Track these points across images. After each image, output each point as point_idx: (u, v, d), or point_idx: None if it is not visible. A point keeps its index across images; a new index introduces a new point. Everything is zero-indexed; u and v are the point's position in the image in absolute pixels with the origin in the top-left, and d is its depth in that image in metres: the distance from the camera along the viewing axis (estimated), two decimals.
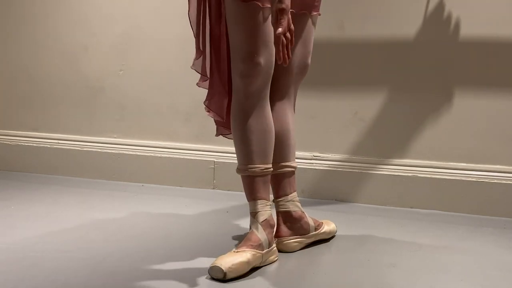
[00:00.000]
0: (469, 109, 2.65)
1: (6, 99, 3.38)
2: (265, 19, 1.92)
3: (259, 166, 1.98)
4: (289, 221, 2.11)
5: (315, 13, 2.09)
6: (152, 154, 3.11)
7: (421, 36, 2.68)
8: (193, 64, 2.06)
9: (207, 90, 2.09)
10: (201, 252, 2.06)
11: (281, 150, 2.09)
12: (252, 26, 1.90)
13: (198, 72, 2.06)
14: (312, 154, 2.86)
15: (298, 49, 2.08)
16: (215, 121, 2.14)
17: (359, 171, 2.79)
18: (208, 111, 2.10)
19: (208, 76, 2.05)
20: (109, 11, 3.15)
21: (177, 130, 3.09)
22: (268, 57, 1.95)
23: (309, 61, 2.13)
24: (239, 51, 1.93)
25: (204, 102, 2.09)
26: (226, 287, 1.78)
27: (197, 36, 2.04)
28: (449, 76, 2.67)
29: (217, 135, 2.19)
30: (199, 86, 2.12)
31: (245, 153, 1.97)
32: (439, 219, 2.56)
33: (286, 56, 1.85)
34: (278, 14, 1.82)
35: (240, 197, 2.79)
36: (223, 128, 2.14)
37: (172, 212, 2.59)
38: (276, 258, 2.00)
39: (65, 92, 3.25)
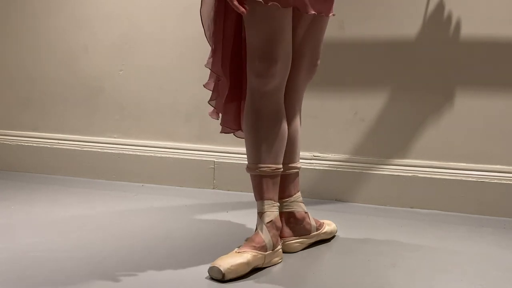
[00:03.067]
0: (469, 109, 2.65)
1: (6, 99, 3.38)
2: (284, 19, 1.92)
3: (270, 166, 1.97)
4: (292, 221, 2.11)
5: (330, 14, 2.08)
6: (152, 154, 3.11)
7: (421, 36, 2.68)
8: (207, 63, 2.01)
9: (210, 90, 2.09)
10: (201, 252, 2.07)
11: (289, 151, 2.09)
12: (271, 26, 1.90)
13: (213, 72, 2.01)
14: (312, 154, 2.86)
15: (312, 50, 2.08)
16: (222, 120, 2.13)
17: (359, 171, 2.79)
18: (213, 112, 2.10)
19: (223, 75, 2.02)
20: (109, 11, 3.15)
21: (177, 130, 3.09)
22: (285, 57, 1.95)
23: (319, 62, 2.13)
24: (257, 51, 1.92)
25: (211, 103, 2.08)
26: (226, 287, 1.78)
27: (213, 35, 2.00)
28: (449, 76, 2.67)
29: (222, 132, 2.17)
30: (206, 87, 2.09)
31: (257, 152, 1.97)
32: (439, 219, 2.56)
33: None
34: None
35: (240, 197, 2.79)
36: (226, 126, 2.13)
37: (172, 212, 2.59)
38: (280, 260, 2.00)
39: (65, 92, 3.25)
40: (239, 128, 2.13)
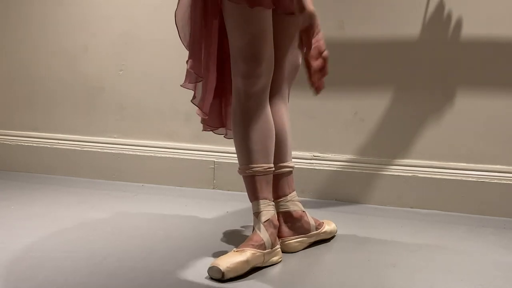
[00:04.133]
0: (469, 109, 2.65)
1: (6, 99, 3.38)
2: (267, 21, 1.94)
3: (262, 166, 1.98)
4: (290, 221, 2.11)
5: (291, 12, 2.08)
6: (152, 154, 3.11)
7: (421, 36, 2.68)
8: (190, 67, 2.02)
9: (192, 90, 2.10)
10: (201, 252, 2.06)
11: (279, 150, 2.09)
12: (257, 28, 1.92)
13: (195, 73, 2.03)
14: (312, 154, 2.86)
15: (290, 50, 2.09)
16: (202, 119, 2.14)
17: (359, 171, 2.79)
18: (199, 112, 2.11)
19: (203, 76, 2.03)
20: (109, 11, 3.15)
21: (177, 130, 3.09)
22: (269, 58, 1.97)
23: (300, 61, 2.13)
24: (242, 53, 1.94)
25: (196, 102, 2.09)
26: (225, 287, 1.78)
27: (191, 36, 2.02)
28: (449, 76, 2.67)
29: (204, 130, 2.19)
30: (184, 87, 2.10)
31: (247, 153, 1.97)
32: (439, 219, 2.56)
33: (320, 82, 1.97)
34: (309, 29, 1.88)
35: (240, 197, 2.79)
36: (207, 125, 2.16)
37: (172, 212, 2.59)
38: (280, 260, 2.00)
39: (65, 92, 3.25)
40: (222, 126, 2.16)
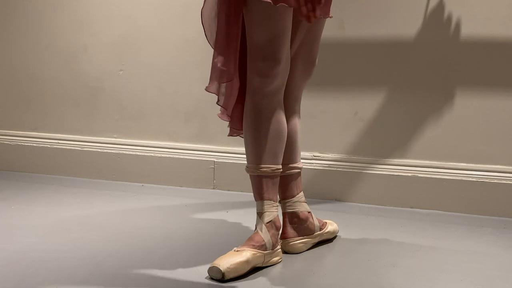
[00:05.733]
0: (469, 109, 2.65)
1: (6, 99, 3.38)
2: (288, 19, 1.92)
3: (270, 167, 1.97)
4: (296, 222, 2.10)
5: (329, 16, 2.07)
6: (152, 154, 3.11)
7: (421, 36, 2.68)
8: (222, 65, 1.92)
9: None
10: (201, 252, 2.07)
11: (290, 151, 2.08)
12: (278, 26, 1.90)
13: (228, 74, 1.93)
14: (312, 154, 2.86)
15: (310, 50, 2.08)
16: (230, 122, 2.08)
17: (359, 171, 2.79)
18: (223, 113, 2.05)
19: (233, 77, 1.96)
20: (109, 11, 3.15)
21: (177, 130, 3.09)
22: (287, 57, 1.95)
23: (317, 60, 2.13)
24: (261, 51, 1.91)
25: (220, 103, 2.01)
26: (225, 287, 1.78)
27: (219, 35, 1.94)
28: (449, 76, 2.67)
29: (229, 135, 2.13)
30: (208, 90, 1.99)
31: (256, 152, 1.96)
32: (439, 219, 2.56)
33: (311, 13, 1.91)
34: None
35: (240, 197, 2.79)
36: (233, 129, 2.10)
37: (172, 212, 2.59)
38: (280, 260, 1.99)
39: (65, 92, 3.25)
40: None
